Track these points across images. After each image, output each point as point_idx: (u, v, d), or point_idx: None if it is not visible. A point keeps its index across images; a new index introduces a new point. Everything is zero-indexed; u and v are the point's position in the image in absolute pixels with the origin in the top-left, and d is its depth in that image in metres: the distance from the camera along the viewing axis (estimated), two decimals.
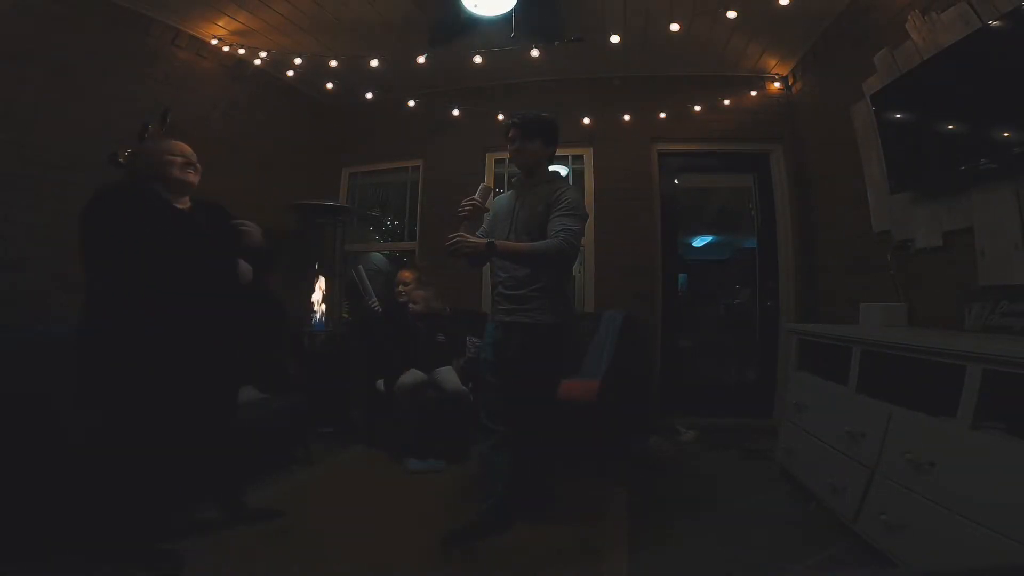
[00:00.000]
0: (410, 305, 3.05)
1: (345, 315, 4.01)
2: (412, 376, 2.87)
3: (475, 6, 2.63)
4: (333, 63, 3.43)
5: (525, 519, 2.04)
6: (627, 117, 3.81)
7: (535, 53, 3.19)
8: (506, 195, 2.30)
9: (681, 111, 3.78)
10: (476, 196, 2.02)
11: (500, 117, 3.95)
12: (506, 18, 2.84)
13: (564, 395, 2.32)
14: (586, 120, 3.85)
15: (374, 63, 3.33)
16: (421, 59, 3.31)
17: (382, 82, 3.79)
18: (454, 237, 1.90)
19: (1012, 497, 1.28)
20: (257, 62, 3.49)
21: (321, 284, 3.82)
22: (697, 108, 3.76)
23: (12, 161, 2.39)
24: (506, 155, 4.25)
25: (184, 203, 1.92)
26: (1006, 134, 1.82)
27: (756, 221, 3.86)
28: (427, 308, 3.05)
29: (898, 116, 2.35)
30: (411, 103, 3.95)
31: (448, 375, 2.91)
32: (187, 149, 1.93)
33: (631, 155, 3.81)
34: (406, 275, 3.16)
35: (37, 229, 2.48)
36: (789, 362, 2.77)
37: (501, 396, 2.05)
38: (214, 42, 3.27)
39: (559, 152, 4.23)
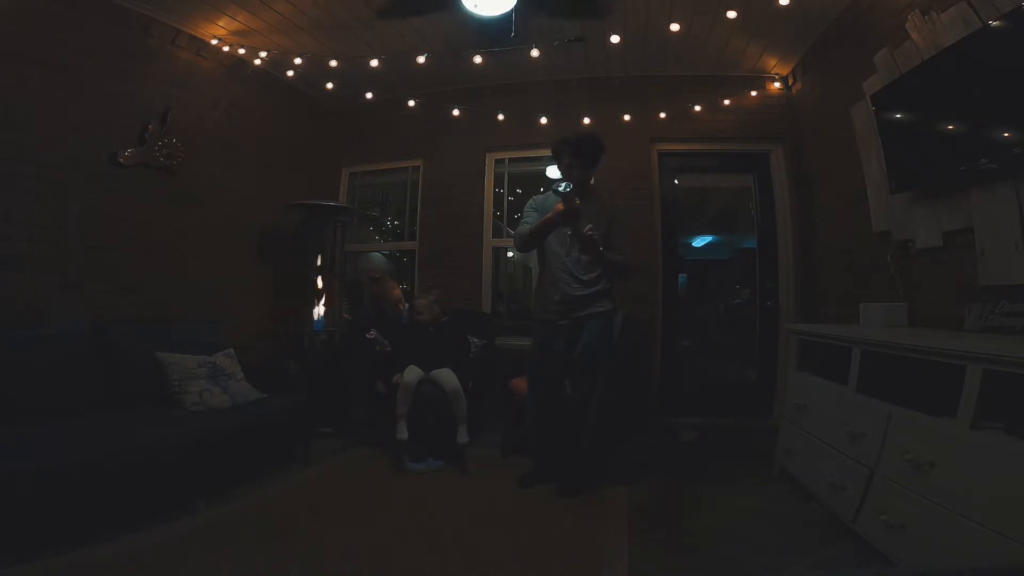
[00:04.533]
0: (415, 316, 3.19)
1: (345, 316, 4.01)
2: (413, 373, 2.89)
3: (475, 6, 2.63)
4: (333, 63, 3.43)
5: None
6: (627, 117, 3.81)
7: (535, 53, 3.19)
8: (551, 199, 2.53)
9: (681, 111, 3.78)
10: (566, 207, 2.27)
11: (500, 117, 3.96)
12: (506, 18, 2.84)
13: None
14: (586, 120, 3.85)
15: (374, 63, 3.33)
16: (421, 59, 3.31)
17: (382, 82, 3.80)
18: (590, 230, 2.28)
19: (1012, 497, 1.28)
20: (257, 62, 3.49)
21: (321, 284, 3.82)
22: (697, 108, 3.76)
23: (12, 161, 2.39)
24: (505, 155, 4.28)
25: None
26: (1006, 134, 1.82)
27: (756, 221, 3.86)
28: (431, 315, 3.15)
29: (898, 116, 2.35)
30: (411, 103, 3.95)
31: (447, 375, 2.92)
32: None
33: (631, 155, 3.81)
34: (420, 302, 3.24)
35: (37, 229, 2.48)
36: (789, 362, 2.76)
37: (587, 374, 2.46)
38: (214, 42, 3.27)
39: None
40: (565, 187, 2.21)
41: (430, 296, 3.22)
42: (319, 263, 3.80)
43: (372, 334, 3.08)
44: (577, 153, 2.48)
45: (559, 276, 2.48)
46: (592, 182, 2.64)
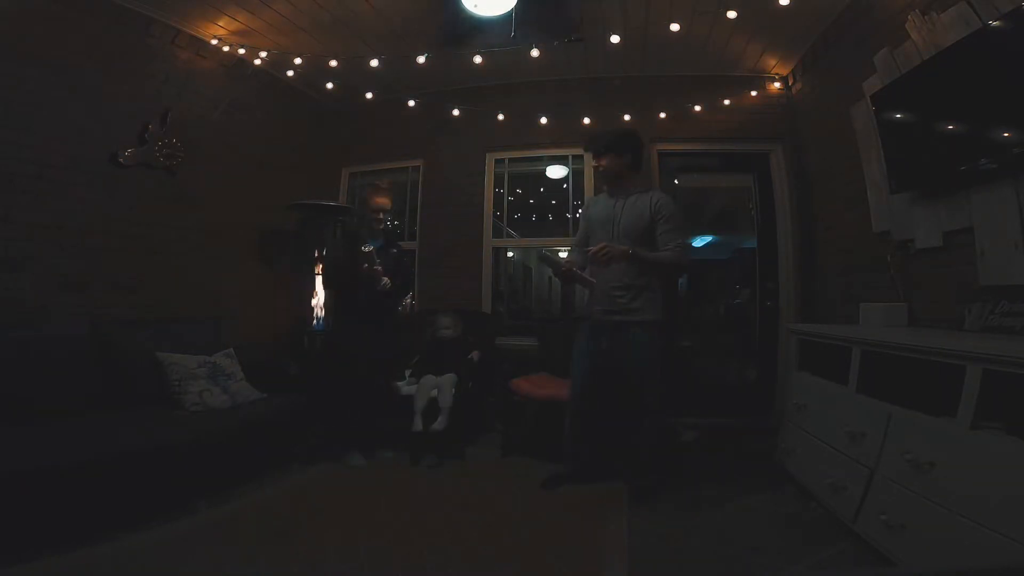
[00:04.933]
0: (438, 332, 3.35)
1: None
2: (429, 380, 2.99)
3: (475, 6, 2.63)
4: (333, 63, 3.43)
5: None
6: (627, 117, 3.81)
7: (535, 53, 3.19)
8: (599, 201, 2.59)
9: (681, 111, 3.78)
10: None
11: (500, 117, 3.97)
12: (506, 18, 2.84)
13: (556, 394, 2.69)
14: (586, 120, 3.85)
15: (374, 63, 3.33)
16: (421, 59, 3.31)
17: (382, 82, 3.80)
18: (602, 248, 2.26)
19: (1012, 497, 1.28)
20: (257, 62, 3.49)
21: (320, 284, 3.81)
22: (697, 108, 3.76)
23: (12, 161, 2.39)
24: (505, 155, 4.30)
25: None
26: (1006, 134, 1.82)
27: (756, 221, 3.86)
28: (455, 332, 3.36)
29: (898, 116, 2.35)
30: (411, 103, 3.95)
31: (447, 381, 2.97)
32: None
33: None
34: (446, 319, 3.40)
35: (37, 229, 2.48)
36: (789, 362, 2.77)
37: (619, 380, 2.41)
38: (214, 42, 3.26)
39: (559, 152, 4.24)
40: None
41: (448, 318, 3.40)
42: (318, 263, 3.79)
43: (370, 248, 2.85)
44: (589, 147, 2.51)
45: (602, 280, 2.40)
46: (627, 174, 2.53)
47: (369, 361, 2.88)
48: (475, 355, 3.26)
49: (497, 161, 4.19)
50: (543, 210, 5.27)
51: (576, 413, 2.53)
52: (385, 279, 2.83)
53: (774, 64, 3.65)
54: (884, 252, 2.53)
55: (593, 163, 2.55)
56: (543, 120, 3.89)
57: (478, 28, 3.04)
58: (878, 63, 2.52)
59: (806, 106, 3.54)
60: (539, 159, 4.28)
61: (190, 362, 2.60)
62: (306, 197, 3.84)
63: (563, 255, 2.55)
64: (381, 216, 3.00)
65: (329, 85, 3.87)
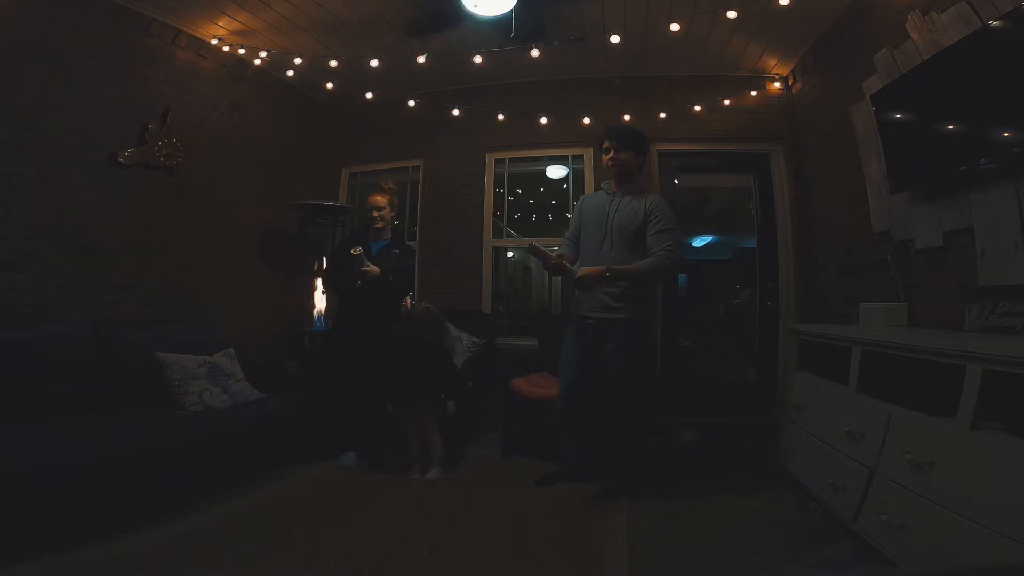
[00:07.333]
0: None
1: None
2: None
3: (475, 6, 2.63)
4: (333, 63, 3.43)
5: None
6: (627, 117, 3.81)
7: (535, 53, 3.19)
8: (595, 199, 2.58)
9: (681, 111, 3.78)
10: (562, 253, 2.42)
11: (500, 117, 3.97)
12: (506, 18, 2.84)
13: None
14: (586, 120, 3.85)
15: (374, 63, 3.33)
16: (421, 59, 3.31)
17: (382, 82, 3.80)
18: (579, 280, 2.28)
19: (1012, 497, 1.28)
20: (257, 62, 3.49)
21: (321, 284, 3.82)
22: (697, 108, 3.76)
23: (12, 161, 2.39)
24: (505, 155, 4.28)
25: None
26: (1006, 134, 1.82)
27: (756, 221, 3.86)
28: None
29: (898, 116, 2.35)
30: (411, 103, 3.95)
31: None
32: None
33: None
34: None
35: (37, 229, 2.48)
36: (789, 362, 2.77)
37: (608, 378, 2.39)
38: (214, 42, 3.27)
39: (559, 152, 4.24)
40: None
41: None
42: (318, 263, 3.80)
43: (358, 251, 2.78)
44: (615, 136, 2.47)
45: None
46: (633, 173, 2.50)
47: (365, 362, 2.85)
48: (451, 406, 2.72)
49: (497, 161, 4.19)
50: (543, 210, 5.27)
51: (563, 412, 2.53)
52: (371, 267, 2.75)
53: (774, 64, 3.65)
54: (884, 252, 2.53)
55: (609, 154, 2.46)
56: (543, 120, 3.89)
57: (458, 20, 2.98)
58: (878, 63, 2.52)
59: (806, 106, 3.54)
60: (539, 159, 4.28)
61: (190, 362, 2.60)
62: (306, 197, 3.85)
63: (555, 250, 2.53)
64: (376, 215, 2.95)
65: (329, 85, 3.87)
